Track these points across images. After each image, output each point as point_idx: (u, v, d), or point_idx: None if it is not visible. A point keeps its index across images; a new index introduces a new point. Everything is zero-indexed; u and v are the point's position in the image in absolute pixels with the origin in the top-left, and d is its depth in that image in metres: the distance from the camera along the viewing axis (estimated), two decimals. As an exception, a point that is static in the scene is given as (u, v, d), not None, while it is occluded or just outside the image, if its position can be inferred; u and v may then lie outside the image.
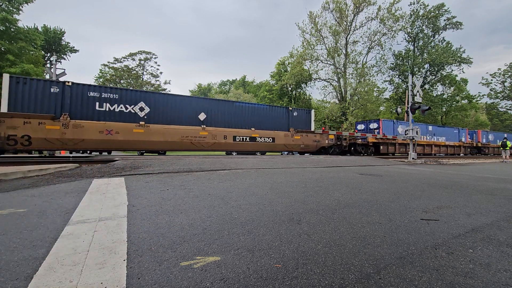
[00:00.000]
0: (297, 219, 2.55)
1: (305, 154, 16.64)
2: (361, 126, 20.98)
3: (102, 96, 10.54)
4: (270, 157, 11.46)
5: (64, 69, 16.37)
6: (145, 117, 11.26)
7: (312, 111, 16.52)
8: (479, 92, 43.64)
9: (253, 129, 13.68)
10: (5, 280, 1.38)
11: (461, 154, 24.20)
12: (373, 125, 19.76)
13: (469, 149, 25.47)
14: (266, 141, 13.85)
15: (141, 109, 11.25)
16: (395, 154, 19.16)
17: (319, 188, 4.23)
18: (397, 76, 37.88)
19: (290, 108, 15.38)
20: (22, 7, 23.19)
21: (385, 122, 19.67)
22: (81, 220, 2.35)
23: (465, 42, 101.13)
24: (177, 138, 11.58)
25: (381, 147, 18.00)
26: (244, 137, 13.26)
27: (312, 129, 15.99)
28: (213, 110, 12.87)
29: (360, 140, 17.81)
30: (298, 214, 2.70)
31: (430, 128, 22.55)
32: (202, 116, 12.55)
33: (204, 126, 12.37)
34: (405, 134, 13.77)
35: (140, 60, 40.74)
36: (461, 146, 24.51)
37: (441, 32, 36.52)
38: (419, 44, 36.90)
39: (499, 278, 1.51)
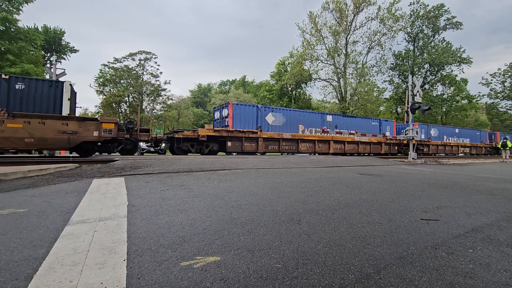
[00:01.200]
0: (297, 219, 2.55)
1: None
2: (217, 114, 14.88)
3: None
4: (270, 157, 11.46)
5: (64, 69, 16.37)
6: None
7: (66, 84, 9.95)
8: (479, 92, 43.64)
9: None
10: (5, 280, 1.38)
11: (382, 152, 18.33)
12: (224, 112, 13.66)
13: (396, 147, 19.36)
14: None
15: None
16: (258, 153, 13.83)
17: (319, 188, 4.23)
18: (397, 76, 37.92)
19: (4, 76, 9.00)
20: (22, 7, 23.24)
21: (239, 107, 13.43)
22: (81, 220, 2.35)
23: (465, 42, 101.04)
24: None
25: (229, 143, 12.70)
26: None
27: (65, 112, 9.81)
28: None
29: (185, 133, 12.13)
30: (298, 214, 2.70)
31: (330, 118, 16.25)
32: None
33: None
34: (405, 134, 13.73)
35: (140, 60, 40.66)
36: (383, 143, 18.17)
37: (441, 32, 36.55)
38: (419, 44, 36.91)
39: (499, 278, 1.51)
